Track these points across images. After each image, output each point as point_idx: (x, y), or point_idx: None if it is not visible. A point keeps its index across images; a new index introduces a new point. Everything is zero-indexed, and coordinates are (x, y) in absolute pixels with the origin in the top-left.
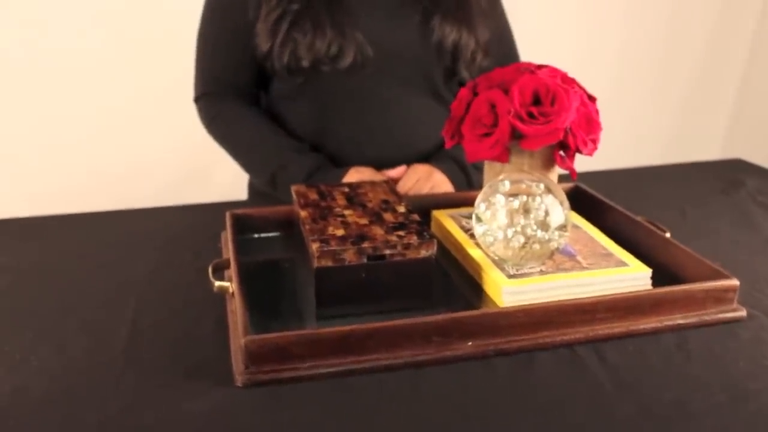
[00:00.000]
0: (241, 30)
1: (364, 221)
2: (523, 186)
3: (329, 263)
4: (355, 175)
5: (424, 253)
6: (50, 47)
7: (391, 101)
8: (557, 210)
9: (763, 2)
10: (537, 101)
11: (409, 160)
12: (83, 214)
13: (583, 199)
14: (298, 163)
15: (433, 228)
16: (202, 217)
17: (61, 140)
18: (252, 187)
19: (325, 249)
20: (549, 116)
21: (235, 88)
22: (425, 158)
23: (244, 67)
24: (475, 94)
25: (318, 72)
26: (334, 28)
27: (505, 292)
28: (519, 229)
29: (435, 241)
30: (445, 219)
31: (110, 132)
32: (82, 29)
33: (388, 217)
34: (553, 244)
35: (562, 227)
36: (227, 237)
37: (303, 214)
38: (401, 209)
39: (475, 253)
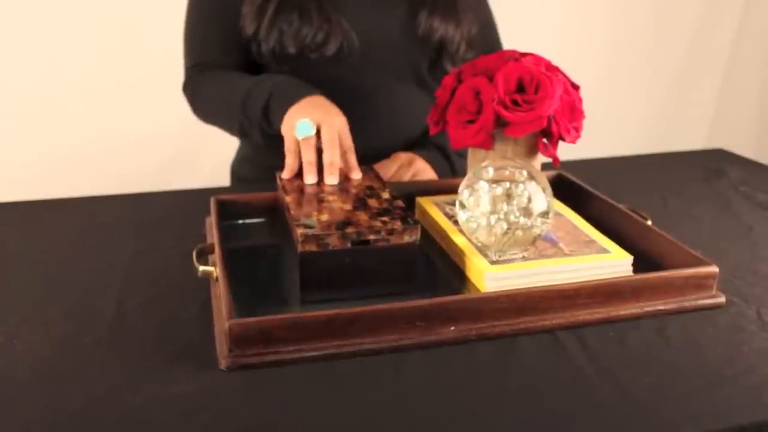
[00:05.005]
0: (228, 12)
1: (348, 207)
2: (507, 173)
3: (313, 248)
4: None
5: (407, 238)
6: (35, 31)
7: (377, 90)
8: (540, 197)
9: None
10: (521, 89)
11: (396, 148)
12: (68, 198)
13: (566, 187)
14: (261, 84)
15: (417, 214)
16: (186, 203)
17: (46, 125)
18: (235, 175)
19: (310, 234)
20: (533, 104)
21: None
22: (411, 146)
23: (231, 51)
24: (460, 81)
25: (304, 60)
26: (320, 16)
27: (488, 278)
28: (502, 215)
29: (419, 226)
30: (429, 205)
31: (95, 117)
32: (68, 13)
33: (372, 203)
34: (536, 231)
35: (545, 214)
36: (211, 222)
37: (287, 199)
38: (385, 195)
39: (458, 239)
